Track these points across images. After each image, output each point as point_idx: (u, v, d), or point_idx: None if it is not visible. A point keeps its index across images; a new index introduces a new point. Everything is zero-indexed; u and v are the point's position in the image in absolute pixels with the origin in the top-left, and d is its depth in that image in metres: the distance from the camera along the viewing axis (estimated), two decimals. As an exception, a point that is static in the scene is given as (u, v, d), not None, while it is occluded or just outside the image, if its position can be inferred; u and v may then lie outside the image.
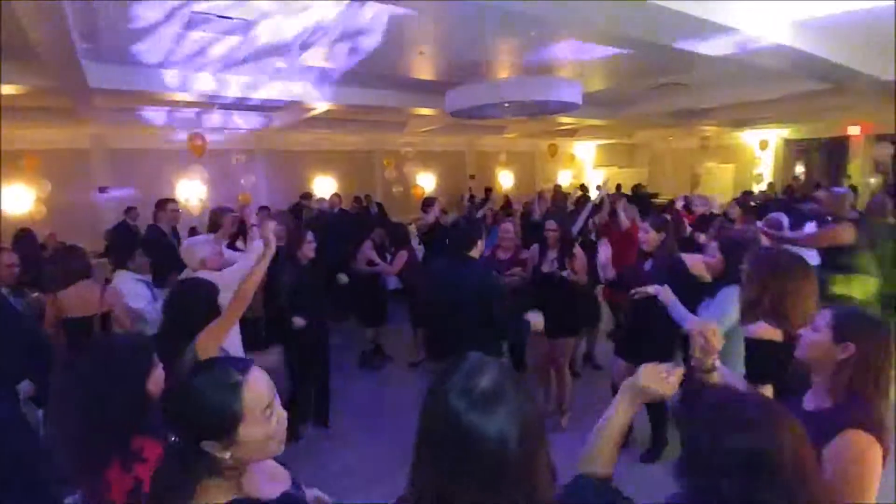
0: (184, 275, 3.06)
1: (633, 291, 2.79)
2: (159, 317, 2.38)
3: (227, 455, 1.03)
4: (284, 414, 1.14)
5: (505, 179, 14.19)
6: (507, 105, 4.86)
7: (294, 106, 7.63)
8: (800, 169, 13.61)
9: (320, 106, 7.43)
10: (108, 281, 3.53)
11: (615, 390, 3.42)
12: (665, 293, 2.58)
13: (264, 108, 8.24)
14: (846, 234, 3.83)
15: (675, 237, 3.55)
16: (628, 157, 16.90)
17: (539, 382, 3.96)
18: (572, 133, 13.32)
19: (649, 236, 3.24)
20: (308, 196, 8.77)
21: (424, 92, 7.24)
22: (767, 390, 1.88)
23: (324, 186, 11.12)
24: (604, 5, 3.37)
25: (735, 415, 0.99)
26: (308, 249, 3.65)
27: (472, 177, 14.07)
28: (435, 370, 0.80)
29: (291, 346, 3.51)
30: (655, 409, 3.31)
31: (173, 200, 5.55)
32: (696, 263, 2.94)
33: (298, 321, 3.48)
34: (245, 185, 8.80)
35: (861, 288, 3.81)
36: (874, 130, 10.83)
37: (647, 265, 3.24)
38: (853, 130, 11.59)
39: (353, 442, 3.77)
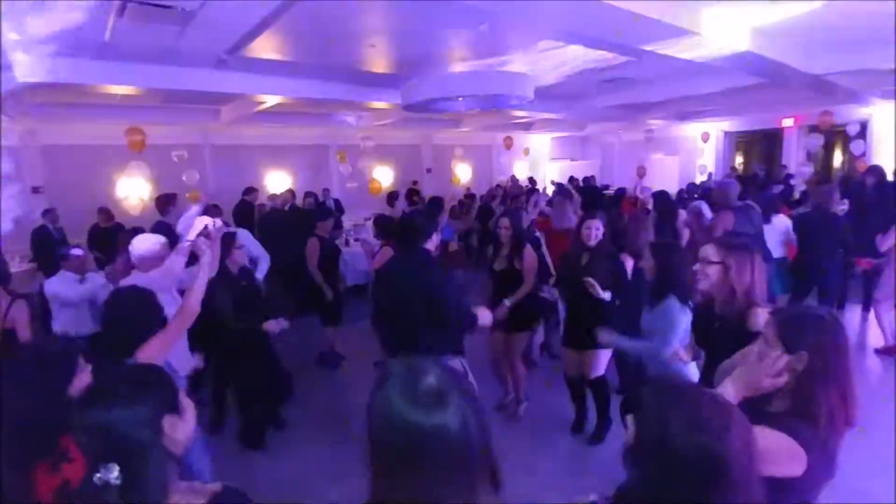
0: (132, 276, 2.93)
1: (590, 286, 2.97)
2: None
3: (178, 434, 1.09)
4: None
5: (462, 172, 14.26)
6: (460, 99, 4.89)
7: (243, 99, 7.40)
8: (739, 160, 14.36)
9: (270, 99, 7.23)
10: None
11: (567, 379, 3.57)
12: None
13: (211, 100, 7.94)
14: (727, 220, 4.19)
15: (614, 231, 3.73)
16: (581, 149, 17.33)
17: (496, 375, 4.02)
18: (527, 126, 13.54)
19: (597, 232, 3.32)
20: (251, 191, 8.22)
21: (379, 85, 7.17)
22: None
23: (277, 182, 10.85)
24: (560, 5, 3.42)
25: (689, 413, 0.99)
26: (239, 256, 3.59)
27: (429, 170, 14.07)
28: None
29: (218, 353, 3.46)
30: (599, 391, 3.48)
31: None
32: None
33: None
34: (188, 181, 8.45)
35: None
36: (806, 122, 11.56)
37: (585, 258, 3.34)
38: (787, 122, 12.34)
39: (316, 442, 3.74)
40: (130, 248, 3.06)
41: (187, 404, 1.16)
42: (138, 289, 2.17)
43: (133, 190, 8.59)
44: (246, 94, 6.68)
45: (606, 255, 3.33)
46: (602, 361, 3.39)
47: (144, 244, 3.02)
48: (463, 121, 12.11)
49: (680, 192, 9.70)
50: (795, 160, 11.80)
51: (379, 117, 10.09)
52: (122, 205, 8.43)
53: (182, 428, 1.10)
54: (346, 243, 7.66)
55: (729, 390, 1.38)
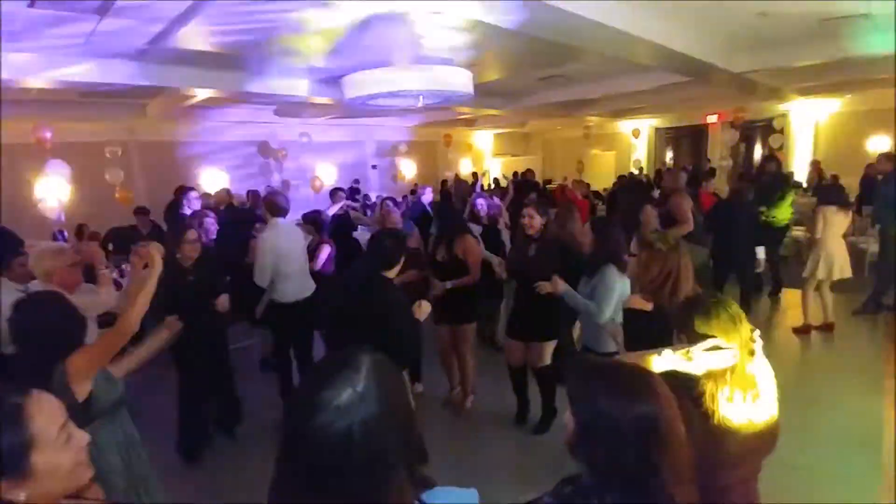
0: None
1: (535, 286, 3.03)
2: None
3: (23, 497, 0.89)
4: (85, 436, 1.03)
5: (407, 169, 14.19)
6: (402, 94, 4.85)
7: (170, 93, 6.99)
8: (670, 155, 15.15)
9: (200, 93, 6.88)
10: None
11: (510, 370, 3.60)
12: (560, 286, 2.88)
13: (135, 94, 7.45)
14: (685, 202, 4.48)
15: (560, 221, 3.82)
16: (523, 145, 17.69)
17: (443, 369, 4.03)
18: (471, 123, 13.66)
19: (533, 221, 3.37)
20: (182, 190, 7.51)
21: (319, 80, 6.99)
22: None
23: (213, 181, 10.37)
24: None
25: (618, 386, 1.01)
26: (190, 249, 3.39)
27: (374, 167, 13.92)
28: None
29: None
30: (546, 381, 3.52)
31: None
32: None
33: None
34: (112, 181, 7.91)
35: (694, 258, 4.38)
36: (729, 118, 12.35)
37: (532, 250, 3.39)
38: (711, 119, 13.15)
39: (263, 447, 3.60)
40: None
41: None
42: (49, 293, 1.99)
43: (51, 192, 7.94)
44: (172, 87, 6.31)
45: (552, 244, 3.36)
46: (548, 351, 3.44)
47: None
48: (407, 116, 12.05)
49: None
50: (720, 154, 12.59)
51: (321, 112, 9.86)
52: (38, 208, 7.77)
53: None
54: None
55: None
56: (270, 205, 4.00)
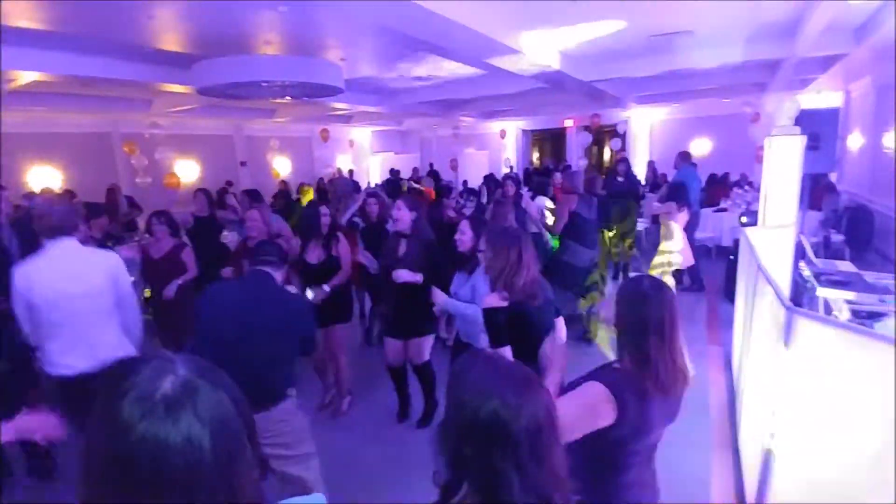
0: None
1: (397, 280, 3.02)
2: None
3: None
4: None
5: (281, 166, 13.55)
6: (264, 84, 4.60)
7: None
8: (536, 155, 16.47)
9: (26, 75, 5.93)
10: None
11: (390, 369, 3.59)
12: (439, 299, 2.78)
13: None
14: (572, 202, 4.81)
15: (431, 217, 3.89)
16: (402, 142, 17.89)
17: (316, 372, 3.91)
18: (347, 119, 13.45)
19: (401, 214, 3.38)
20: None
21: (174, 65, 6.39)
22: (507, 352, 2.06)
23: (43, 177, 8.98)
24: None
25: (484, 380, 0.98)
26: None
27: (243, 163, 13.08)
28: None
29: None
30: (425, 376, 3.57)
31: None
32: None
33: None
34: None
35: (577, 257, 4.72)
36: (583, 123, 13.74)
37: (402, 248, 3.37)
38: (568, 123, 14.54)
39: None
40: None
41: None
42: None
43: None
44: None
45: (420, 240, 3.35)
46: (427, 346, 3.47)
47: None
48: (278, 110, 11.51)
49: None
50: (576, 155, 13.97)
51: (176, 103, 9.00)
52: None
53: None
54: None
55: None
56: (42, 221, 2.47)
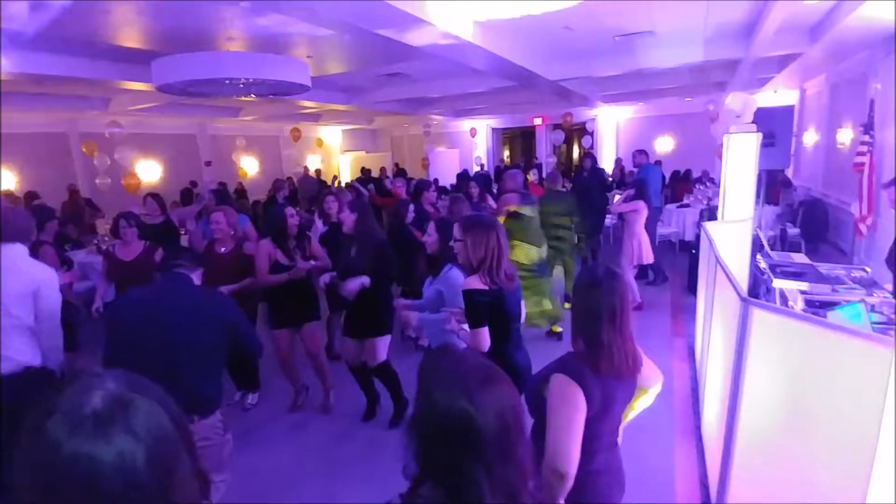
0: None
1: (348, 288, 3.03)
2: None
3: None
4: None
5: (248, 165, 13.26)
6: (227, 82, 4.49)
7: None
8: (507, 153, 16.60)
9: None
10: None
11: (351, 369, 3.56)
12: (411, 318, 2.71)
13: None
14: (514, 200, 4.85)
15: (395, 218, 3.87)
16: (372, 142, 17.75)
17: (286, 376, 3.86)
18: (316, 117, 13.27)
19: (344, 215, 3.39)
20: None
21: (134, 62, 6.18)
22: (485, 332, 2.15)
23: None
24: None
25: (453, 377, 0.97)
26: None
27: (208, 163, 12.76)
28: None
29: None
30: (385, 376, 3.54)
31: None
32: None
33: None
34: None
35: (524, 255, 4.67)
36: (552, 121, 13.92)
37: (353, 249, 3.37)
38: (537, 121, 14.70)
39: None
40: None
41: None
42: None
43: None
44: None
45: (369, 241, 3.36)
46: (381, 348, 3.45)
47: None
48: (244, 109, 11.27)
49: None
50: (545, 152, 14.15)
51: (135, 101, 8.71)
52: None
53: None
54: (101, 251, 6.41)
55: None
56: (7, 225, 2.40)
